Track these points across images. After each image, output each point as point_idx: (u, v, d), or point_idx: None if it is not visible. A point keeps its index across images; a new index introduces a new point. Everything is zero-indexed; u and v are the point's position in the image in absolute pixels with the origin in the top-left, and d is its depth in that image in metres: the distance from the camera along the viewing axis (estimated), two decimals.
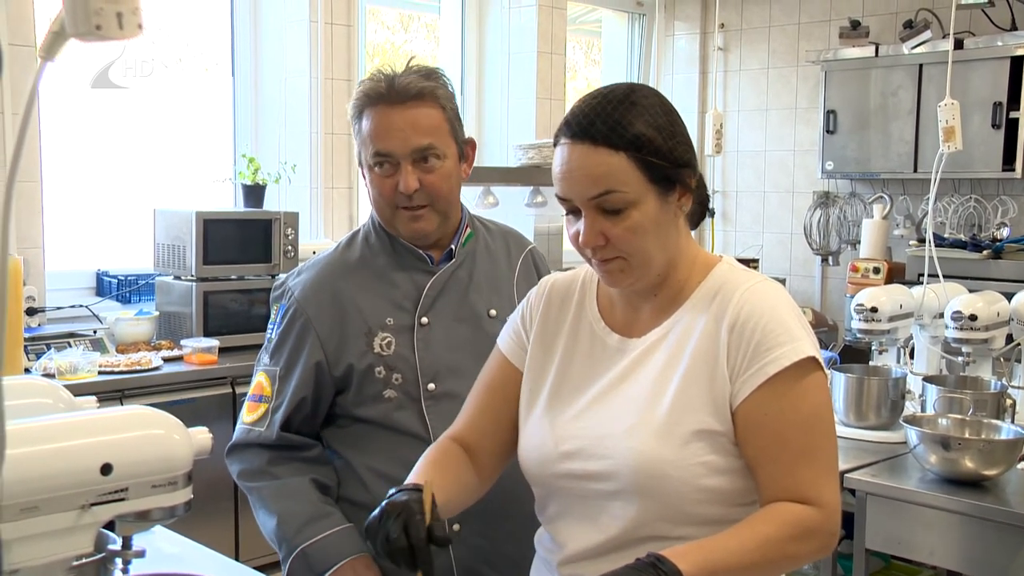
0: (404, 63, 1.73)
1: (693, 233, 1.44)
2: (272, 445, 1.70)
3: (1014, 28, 4.65)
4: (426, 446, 1.56)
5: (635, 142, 1.27)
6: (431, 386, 1.68)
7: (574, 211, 1.32)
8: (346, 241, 1.81)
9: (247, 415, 1.73)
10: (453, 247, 1.76)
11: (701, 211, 1.41)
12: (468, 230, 1.80)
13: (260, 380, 1.74)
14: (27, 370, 3.23)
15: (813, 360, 1.29)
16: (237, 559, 3.08)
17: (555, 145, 1.34)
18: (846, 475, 2.36)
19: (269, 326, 1.78)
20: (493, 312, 1.75)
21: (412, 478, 1.37)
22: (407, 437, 1.65)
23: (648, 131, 1.28)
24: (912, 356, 3.08)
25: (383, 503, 1.27)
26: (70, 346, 3.39)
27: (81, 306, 3.79)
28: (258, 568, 1.88)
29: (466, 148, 1.76)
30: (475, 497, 1.47)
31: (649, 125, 1.29)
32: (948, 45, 3.60)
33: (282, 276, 1.89)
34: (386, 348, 1.68)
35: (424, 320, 1.71)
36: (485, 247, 1.81)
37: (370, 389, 1.68)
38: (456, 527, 1.64)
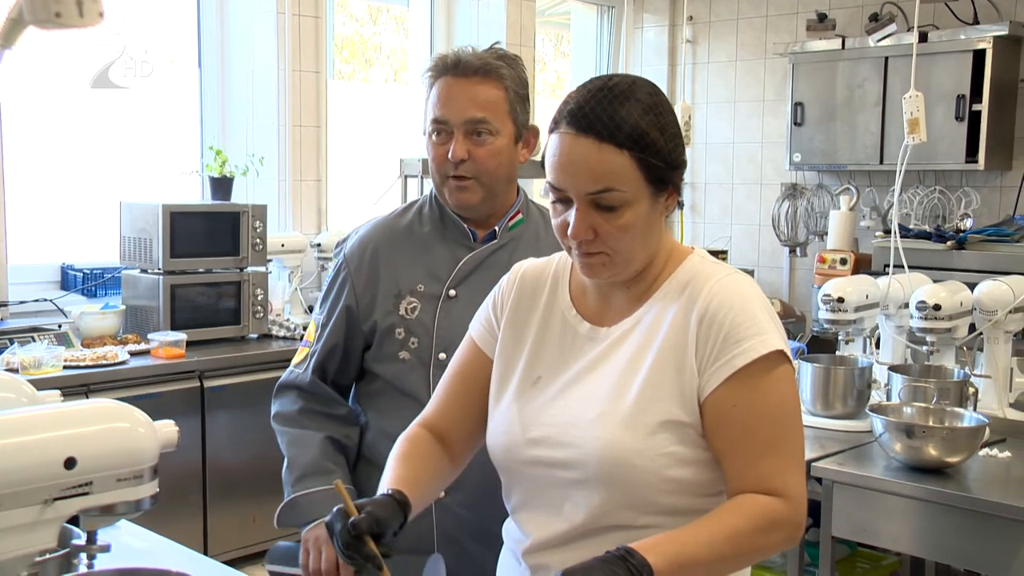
0: (488, 46, 1.80)
1: None
2: (306, 389, 1.81)
3: (976, 22, 4.71)
4: None
5: (640, 141, 1.27)
6: (442, 355, 1.72)
7: (565, 201, 1.32)
8: (404, 207, 1.90)
9: (296, 357, 1.87)
10: (497, 229, 1.80)
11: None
12: (520, 215, 1.83)
13: (310, 328, 1.87)
14: None
15: (781, 353, 1.30)
16: (206, 553, 3.06)
17: (552, 132, 1.32)
18: (813, 464, 2.38)
19: (326, 279, 1.90)
20: None
21: (388, 481, 1.37)
22: (410, 400, 1.72)
23: (652, 131, 1.28)
24: (878, 346, 3.11)
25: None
26: (34, 340, 3.35)
27: (45, 300, 3.74)
28: (227, 562, 1.88)
29: (527, 133, 1.80)
30: (449, 481, 1.50)
31: (652, 125, 1.28)
32: (913, 38, 3.63)
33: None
34: (410, 312, 1.76)
35: (452, 292, 1.76)
36: (535, 236, 1.83)
37: (388, 348, 1.77)
38: (442, 494, 1.68)
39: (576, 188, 1.29)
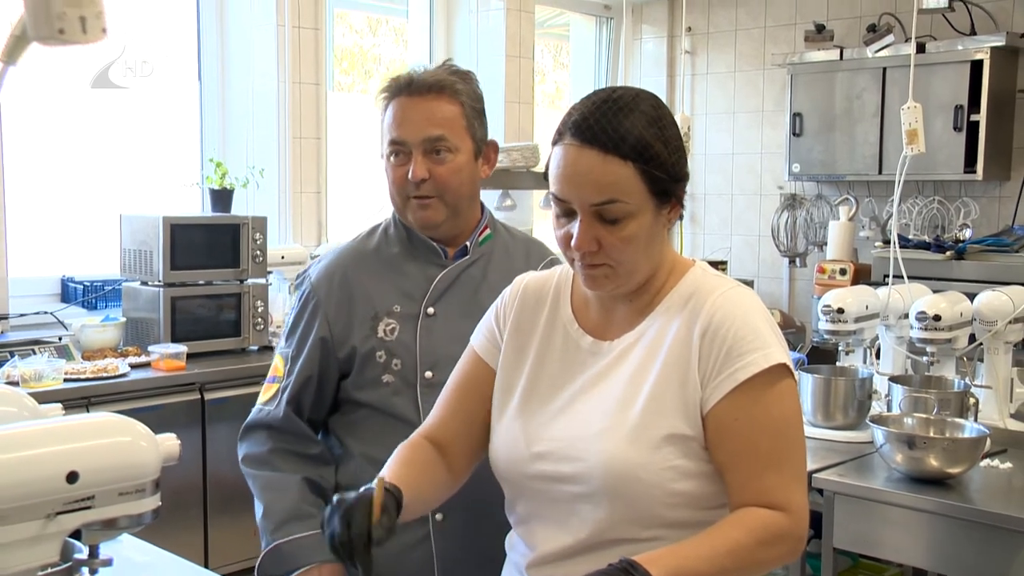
0: (440, 63, 1.80)
1: None
2: (278, 427, 1.75)
3: (973, 33, 4.72)
4: None
5: (644, 153, 1.28)
6: (428, 374, 1.71)
7: (569, 213, 1.32)
8: (368, 231, 1.87)
9: (262, 396, 1.80)
10: (468, 244, 1.79)
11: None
12: (487, 231, 1.82)
13: (276, 363, 1.82)
14: None
15: (784, 367, 1.30)
16: (207, 566, 3.06)
17: (556, 144, 1.33)
18: (814, 475, 2.38)
19: (290, 311, 1.85)
20: None
21: (385, 475, 1.36)
22: (400, 423, 1.68)
23: (656, 143, 1.29)
24: (878, 356, 3.11)
25: (334, 499, 1.27)
26: (35, 353, 3.35)
27: (46, 312, 3.74)
28: (228, 575, 1.87)
29: (486, 148, 1.79)
30: (447, 494, 1.48)
31: (656, 137, 1.29)
32: (911, 49, 3.65)
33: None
34: (389, 334, 1.73)
35: (430, 310, 1.74)
36: (504, 250, 1.83)
37: (370, 372, 1.73)
38: (439, 516, 1.67)
39: (580, 199, 1.29)
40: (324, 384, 1.76)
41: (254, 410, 1.79)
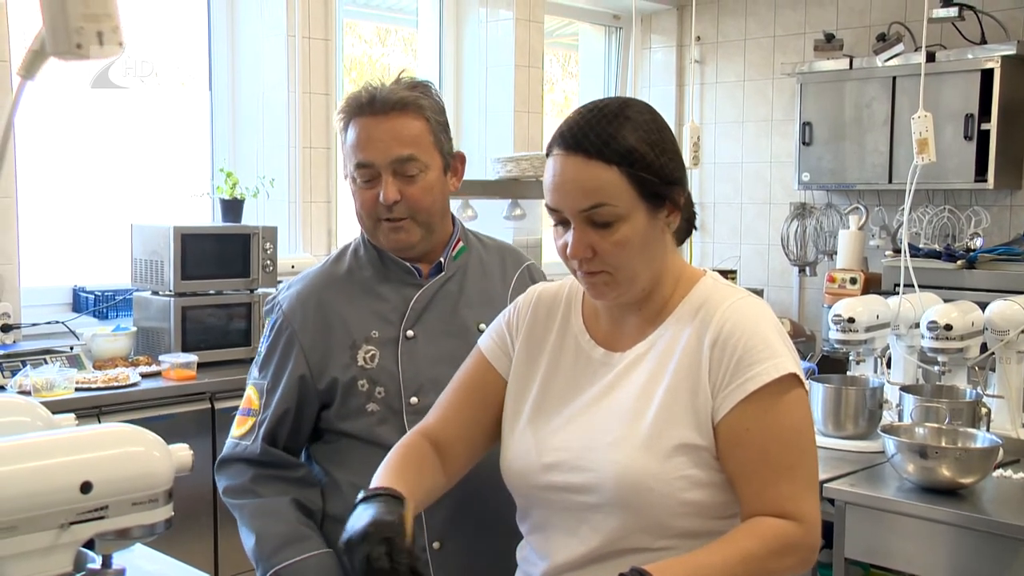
0: (394, 76, 1.72)
1: None
2: (257, 460, 1.68)
3: (984, 42, 4.72)
4: None
5: (628, 157, 1.28)
6: (413, 400, 1.66)
7: (563, 222, 1.33)
8: (336, 254, 1.81)
9: (236, 429, 1.73)
10: (443, 260, 1.74)
11: (688, 227, 1.42)
12: (460, 244, 1.78)
13: (249, 394, 1.74)
14: (2, 387, 3.20)
15: (794, 376, 1.30)
16: None
17: (548, 156, 1.34)
18: (825, 485, 2.37)
19: (261, 340, 1.78)
20: (483, 326, 1.71)
21: (382, 480, 1.35)
22: (387, 452, 1.63)
23: (641, 146, 1.29)
24: (889, 366, 3.11)
25: (364, 519, 1.25)
26: (46, 363, 3.36)
27: (57, 322, 3.75)
28: None
29: (454, 161, 1.74)
30: (438, 495, 1.45)
31: (642, 141, 1.29)
32: (920, 58, 3.64)
33: (276, 289, 1.88)
34: (370, 361, 1.67)
35: (410, 333, 1.69)
36: (479, 261, 1.79)
37: (353, 403, 1.67)
38: (436, 545, 1.62)
39: (569, 206, 1.30)
40: (302, 416, 1.69)
41: (229, 443, 1.72)
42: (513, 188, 4.48)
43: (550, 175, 1.32)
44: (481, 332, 1.70)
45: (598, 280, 1.33)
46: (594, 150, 1.28)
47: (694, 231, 1.44)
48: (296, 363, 1.68)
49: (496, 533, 1.60)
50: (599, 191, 1.28)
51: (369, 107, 1.65)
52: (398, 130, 1.64)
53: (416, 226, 1.68)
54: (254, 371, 1.76)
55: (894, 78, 4.81)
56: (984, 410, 2.62)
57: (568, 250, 1.32)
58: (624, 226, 1.29)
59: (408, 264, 1.72)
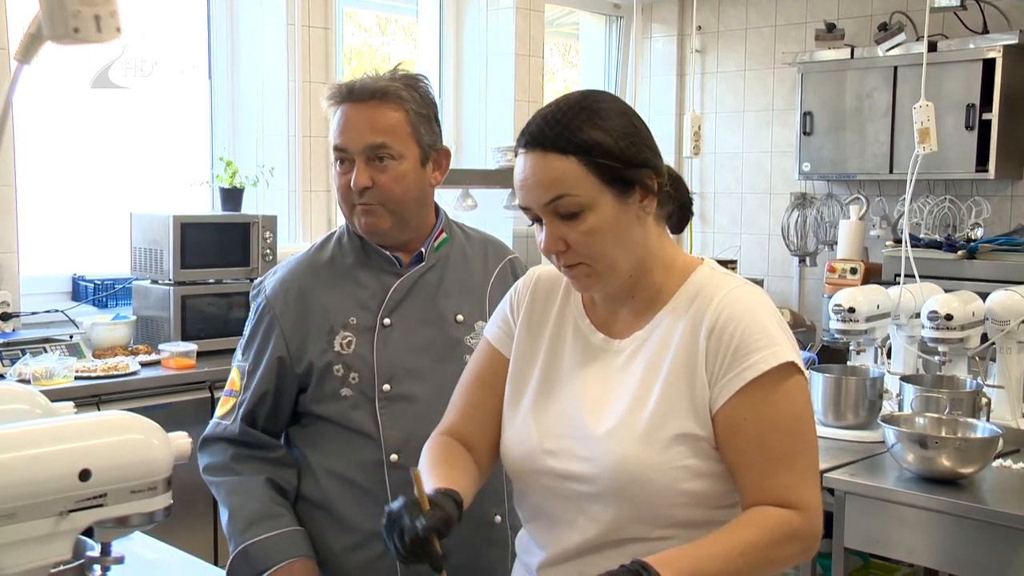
0: (392, 68, 1.75)
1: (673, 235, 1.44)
2: (237, 440, 1.73)
3: (985, 31, 4.70)
4: (377, 447, 1.61)
5: (583, 146, 1.28)
6: (386, 387, 1.68)
7: (536, 219, 1.33)
8: (320, 242, 1.84)
9: (219, 409, 1.78)
10: (423, 250, 1.76)
11: (684, 214, 1.41)
12: (443, 235, 1.80)
13: (232, 375, 1.79)
14: (1, 376, 3.20)
15: (793, 364, 1.29)
16: (216, 564, 3.06)
17: (515, 156, 1.35)
18: (825, 474, 2.37)
19: (247, 323, 1.82)
20: (460, 317, 1.75)
21: (433, 481, 1.33)
22: (360, 437, 1.67)
23: (596, 134, 1.29)
24: (889, 356, 3.11)
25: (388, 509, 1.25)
26: (46, 351, 3.36)
27: (57, 311, 3.75)
28: None
29: (435, 154, 1.75)
30: (478, 490, 1.44)
31: (597, 128, 1.29)
32: (922, 48, 3.63)
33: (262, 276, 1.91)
34: (346, 347, 1.70)
35: (387, 321, 1.71)
36: (461, 253, 1.81)
37: (328, 387, 1.70)
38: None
39: (534, 202, 1.31)
40: (281, 399, 1.74)
41: (211, 423, 1.77)
42: (512, 177, 4.46)
43: (516, 174, 1.34)
44: (458, 323, 1.72)
45: (579, 272, 1.34)
46: (550, 143, 1.29)
47: (691, 217, 1.43)
48: (276, 346, 1.72)
49: (487, 524, 1.61)
50: (558, 182, 1.29)
51: (350, 95, 1.69)
52: (375, 118, 1.68)
53: (386, 212, 1.71)
54: (238, 353, 1.81)
55: (895, 68, 4.80)
56: (984, 400, 2.62)
57: (542, 246, 1.32)
58: (591, 215, 1.29)
59: (389, 253, 1.75)
